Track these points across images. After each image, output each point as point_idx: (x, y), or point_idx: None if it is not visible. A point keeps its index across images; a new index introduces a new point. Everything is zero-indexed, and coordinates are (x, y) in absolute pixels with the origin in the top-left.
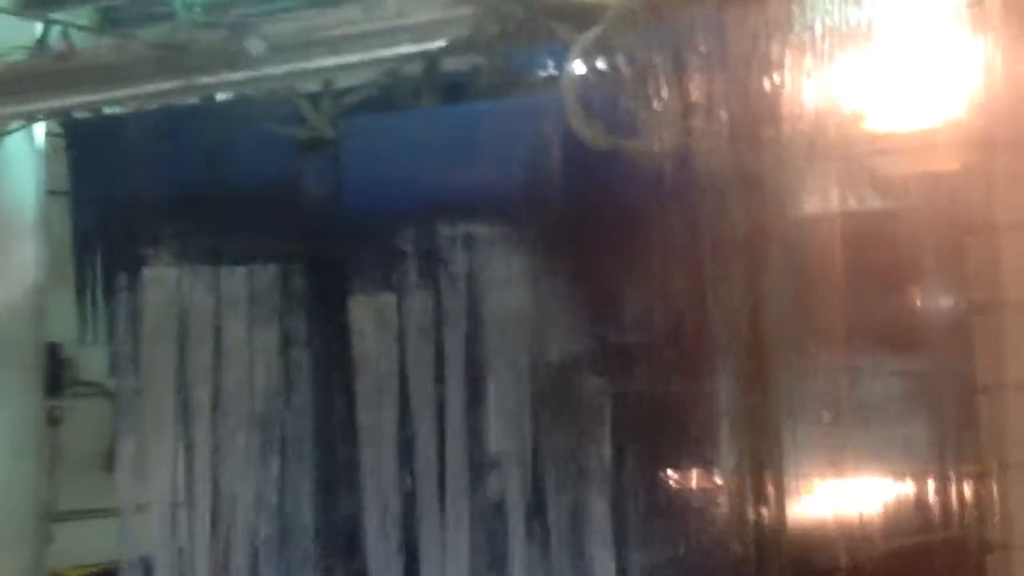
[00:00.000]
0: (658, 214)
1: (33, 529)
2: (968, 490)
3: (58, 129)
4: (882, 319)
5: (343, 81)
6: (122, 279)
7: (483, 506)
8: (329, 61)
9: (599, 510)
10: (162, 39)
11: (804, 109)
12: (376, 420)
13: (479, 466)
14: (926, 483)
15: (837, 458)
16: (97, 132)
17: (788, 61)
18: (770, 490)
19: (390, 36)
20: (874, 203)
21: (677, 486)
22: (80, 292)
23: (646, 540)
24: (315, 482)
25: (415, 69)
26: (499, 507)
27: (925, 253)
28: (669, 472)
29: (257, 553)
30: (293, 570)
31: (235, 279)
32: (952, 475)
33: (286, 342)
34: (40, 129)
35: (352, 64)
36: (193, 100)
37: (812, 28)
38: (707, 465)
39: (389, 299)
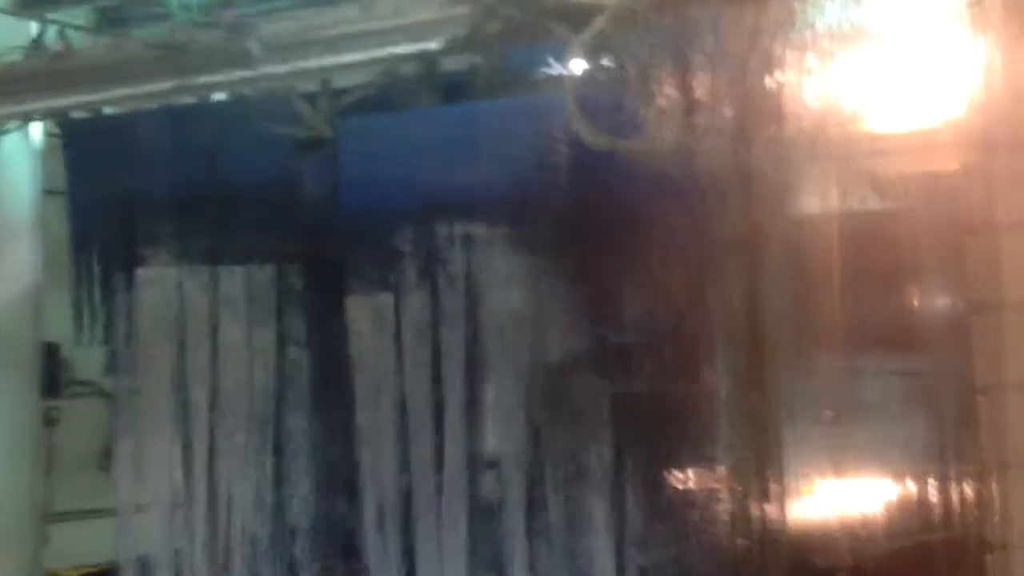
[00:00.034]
0: (656, 214)
1: (29, 529)
2: (968, 490)
3: (55, 129)
4: (882, 319)
5: (341, 81)
6: (119, 279)
7: (481, 506)
8: (327, 61)
9: (598, 510)
10: (159, 39)
11: (804, 109)
12: (374, 420)
13: (477, 466)
14: (926, 483)
15: (837, 458)
16: (94, 132)
17: (787, 61)
18: (770, 490)
19: (387, 36)
20: (874, 203)
21: (676, 486)
22: (77, 292)
23: (645, 540)
24: (313, 482)
25: (413, 69)
26: (497, 507)
27: (925, 253)
28: (668, 472)
29: (255, 552)
30: (291, 569)
31: (232, 279)
32: (952, 475)
33: (284, 342)
34: (37, 129)
35: (350, 64)
36: (190, 100)
37: (812, 28)
38: (707, 465)
39: (387, 299)
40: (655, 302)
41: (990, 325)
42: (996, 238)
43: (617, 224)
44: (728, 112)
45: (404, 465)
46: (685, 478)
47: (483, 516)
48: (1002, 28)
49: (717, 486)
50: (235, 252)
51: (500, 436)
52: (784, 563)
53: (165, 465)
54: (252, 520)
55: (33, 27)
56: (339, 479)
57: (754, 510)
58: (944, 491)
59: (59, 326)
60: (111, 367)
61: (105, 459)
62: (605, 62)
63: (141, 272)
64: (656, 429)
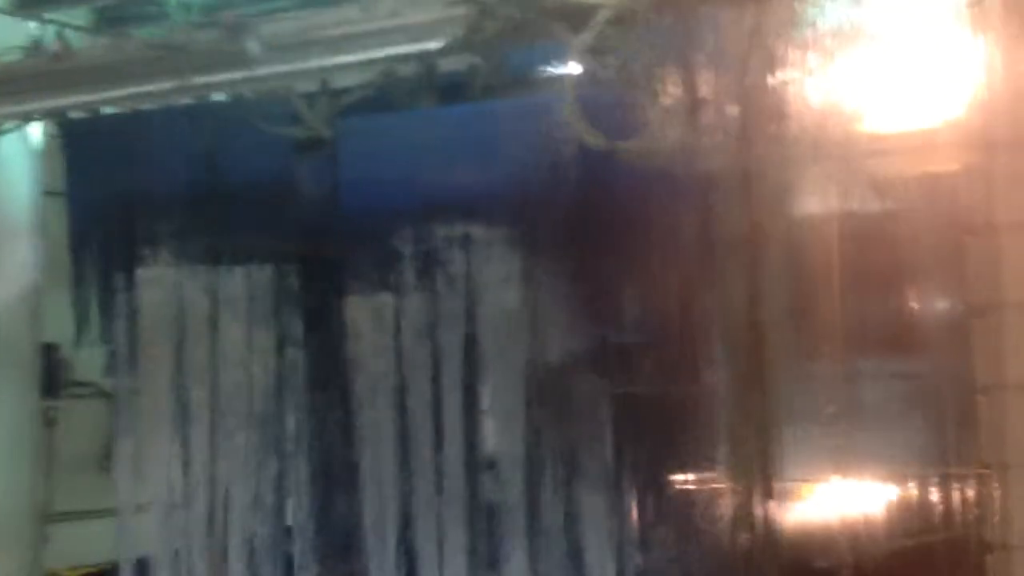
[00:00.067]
0: (656, 214)
1: (29, 530)
2: (968, 490)
3: (55, 129)
4: (882, 318)
5: (340, 81)
6: (118, 279)
7: (481, 506)
8: (326, 61)
9: (598, 510)
10: (158, 39)
11: (804, 109)
12: (373, 420)
13: (476, 466)
14: (926, 484)
15: (837, 459)
16: (93, 132)
17: (788, 61)
18: (770, 490)
19: (387, 36)
20: (874, 203)
21: (676, 486)
22: (77, 292)
23: (645, 540)
24: (312, 482)
25: (412, 69)
26: (497, 507)
27: (925, 253)
28: (668, 472)
29: (253, 553)
30: (290, 569)
31: (232, 279)
32: (952, 475)
33: (283, 342)
34: (36, 129)
35: (349, 64)
36: (189, 100)
37: (812, 27)
38: (707, 465)
39: (386, 299)
40: (655, 302)
41: (990, 326)
42: (996, 238)
43: (617, 224)
44: (728, 112)
45: (403, 465)
46: (685, 478)
47: (483, 516)
48: (1002, 28)
49: (717, 486)
50: (235, 252)
51: (500, 436)
52: (784, 563)
53: (165, 465)
54: (251, 520)
55: (32, 27)
56: (339, 479)
57: (754, 510)
58: (944, 491)
59: (59, 326)
60: (111, 367)
61: (105, 459)
62: (605, 62)
63: (141, 272)
64: (656, 429)
